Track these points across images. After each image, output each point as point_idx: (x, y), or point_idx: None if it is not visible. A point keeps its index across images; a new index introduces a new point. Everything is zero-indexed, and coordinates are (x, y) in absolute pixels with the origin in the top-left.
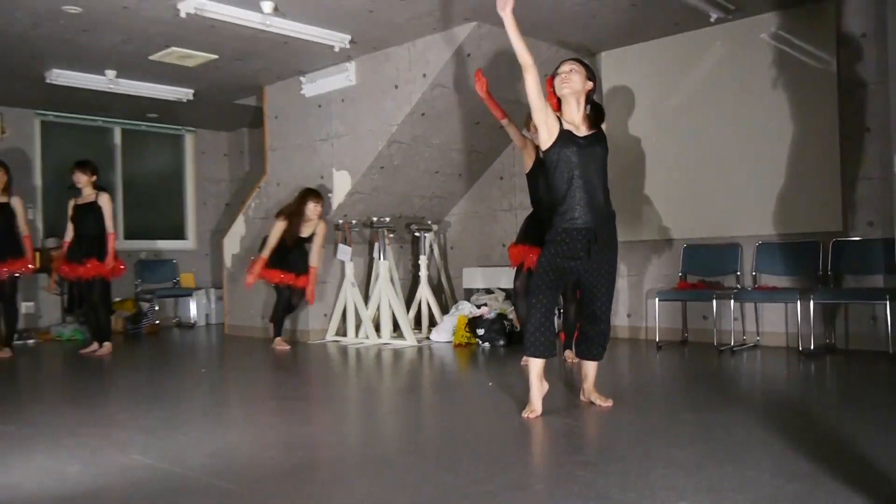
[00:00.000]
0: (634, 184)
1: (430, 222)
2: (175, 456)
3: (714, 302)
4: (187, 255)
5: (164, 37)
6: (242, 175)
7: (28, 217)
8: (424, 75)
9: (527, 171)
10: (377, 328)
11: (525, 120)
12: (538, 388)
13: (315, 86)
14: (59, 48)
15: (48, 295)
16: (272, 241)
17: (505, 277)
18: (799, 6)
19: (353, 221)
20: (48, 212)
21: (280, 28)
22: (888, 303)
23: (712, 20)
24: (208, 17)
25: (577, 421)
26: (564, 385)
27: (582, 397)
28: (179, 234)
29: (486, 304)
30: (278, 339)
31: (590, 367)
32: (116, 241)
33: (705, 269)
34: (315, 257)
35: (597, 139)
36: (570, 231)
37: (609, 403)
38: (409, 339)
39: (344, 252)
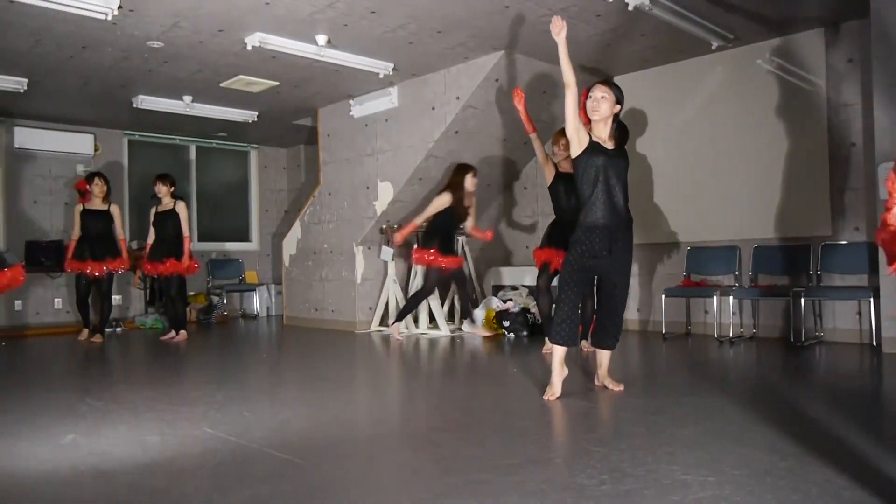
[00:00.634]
0: (645, 193)
1: (462, 227)
2: (240, 429)
3: (715, 298)
4: (251, 255)
5: (233, 67)
6: (299, 185)
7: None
8: (458, 98)
9: (548, 185)
10: (416, 320)
11: (554, 138)
12: (559, 373)
13: (362, 108)
14: (144, 77)
15: (134, 289)
16: (431, 211)
17: (528, 276)
18: (791, 34)
19: (396, 226)
20: (134, 217)
21: (332, 58)
22: (871, 299)
23: (713, 48)
24: (270, 49)
25: (592, 403)
26: (581, 371)
27: (596, 382)
28: (245, 236)
29: (511, 300)
30: (396, 325)
31: (604, 356)
32: (191, 243)
33: (707, 268)
34: (473, 220)
35: (620, 153)
36: (592, 228)
37: (620, 388)
38: (444, 330)
39: (387, 253)
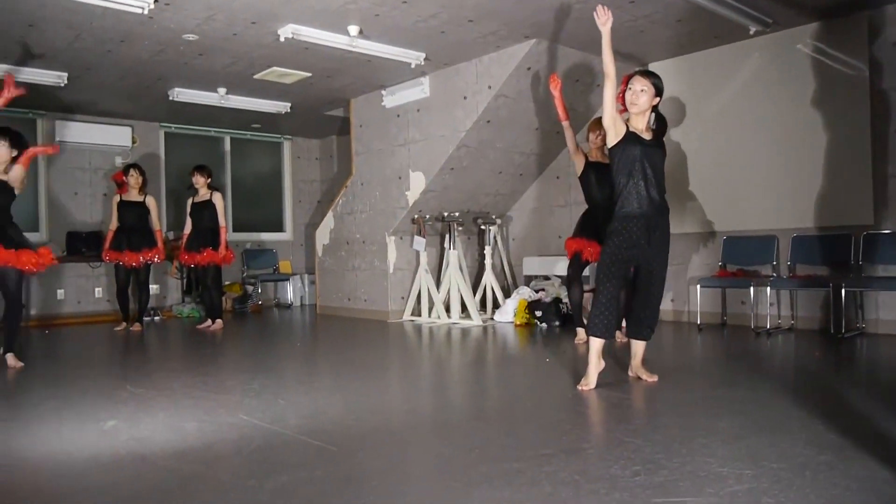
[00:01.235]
0: (680, 181)
1: (494, 217)
2: (275, 417)
3: (752, 289)
4: (285, 245)
5: (266, 59)
6: (332, 176)
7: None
8: (489, 87)
9: (579, 174)
10: (447, 309)
11: (590, 126)
12: (595, 365)
13: (394, 98)
14: (180, 70)
15: (171, 279)
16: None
17: (560, 266)
18: (833, 18)
19: (427, 216)
20: (171, 208)
21: (364, 49)
22: None
23: (751, 33)
24: (303, 41)
25: (625, 394)
26: (614, 361)
27: (630, 373)
28: (278, 227)
29: (543, 290)
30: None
31: (639, 346)
32: (227, 233)
33: (744, 258)
34: None
35: (658, 144)
36: (628, 218)
37: (655, 379)
38: (476, 320)
39: (419, 243)
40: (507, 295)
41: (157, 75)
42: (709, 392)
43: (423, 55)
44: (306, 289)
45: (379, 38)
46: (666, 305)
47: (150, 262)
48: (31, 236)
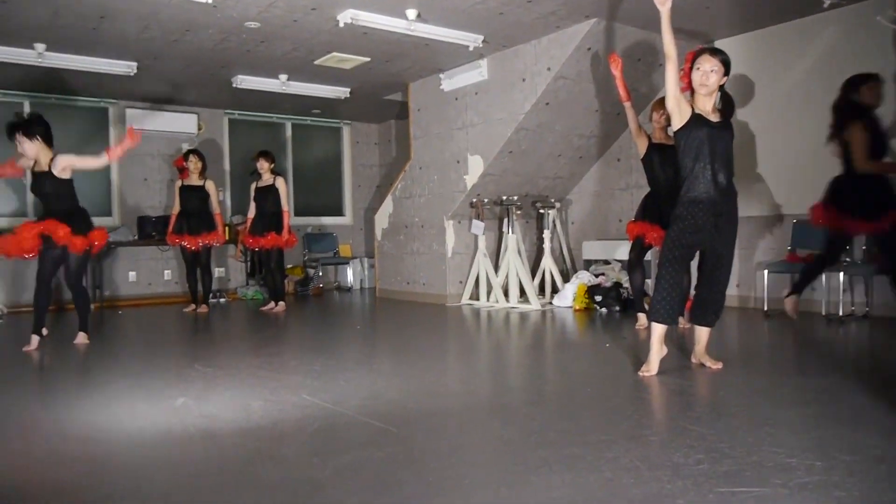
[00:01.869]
0: (747, 163)
1: (553, 200)
2: (336, 397)
3: (823, 274)
4: (345, 229)
5: (326, 44)
6: (391, 160)
7: (220, 198)
8: (549, 69)
9: (642, 156)
10: (506, 293)
11: (654, 106)
12: (658, 352)
13: (452, 81)
14: (242, 58)
15: (235, 262)
16: None
17: (621, 250)
18: None
19: (486, 200)
20: (235, 193)
21: (422, 32)
22: None
23: (825, 5)
24: (362, 26)
25: (688, 381)
26: (676, 348)
27: (693, 360)
28: (339, 211)
29: (603, 274)
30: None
31: (702, 332)
32: (290, 217)
33: (815, 243)
34: None
35: (725, 126)
36: (695, 203)
37: (719, 366)
38: (534, 304)
39: (477, 227)
40: (566, 279)
41: (220, 63)
42: (776, 380)
43: (482, 37)
44: (366, 272)
45: (437, 22)
46: (731, 290)
47: (209, 246)
48: (103, 221)
